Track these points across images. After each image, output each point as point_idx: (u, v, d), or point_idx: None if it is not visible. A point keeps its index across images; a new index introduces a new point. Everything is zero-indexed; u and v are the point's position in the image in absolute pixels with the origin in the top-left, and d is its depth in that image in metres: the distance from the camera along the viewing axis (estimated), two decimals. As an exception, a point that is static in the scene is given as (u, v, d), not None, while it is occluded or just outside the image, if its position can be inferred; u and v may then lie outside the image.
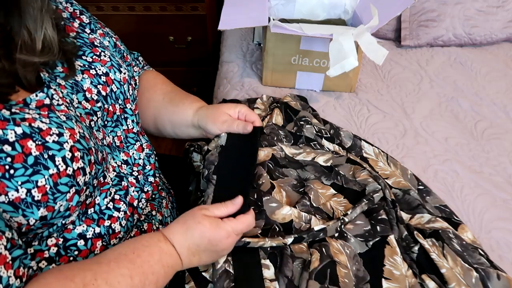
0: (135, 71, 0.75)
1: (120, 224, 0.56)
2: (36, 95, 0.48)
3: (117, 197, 0.57)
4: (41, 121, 0.45)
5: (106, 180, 0.57)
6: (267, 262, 0.62)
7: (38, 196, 0.43)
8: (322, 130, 0.86)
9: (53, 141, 0.45)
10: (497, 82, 1.12)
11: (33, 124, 0.44)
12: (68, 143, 0.46)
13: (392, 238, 0.65)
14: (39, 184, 0.43)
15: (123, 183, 0.59)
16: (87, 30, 0.62)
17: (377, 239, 0.66)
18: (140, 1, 1.41)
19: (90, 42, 0.60)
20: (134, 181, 0.62)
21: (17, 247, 0.42)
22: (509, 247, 0.70)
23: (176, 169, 0.88)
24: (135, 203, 0.60)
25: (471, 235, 0.68)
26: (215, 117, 0.68)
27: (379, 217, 0.68)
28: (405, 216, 0.71)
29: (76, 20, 0.62)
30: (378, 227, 0.67)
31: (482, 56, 1.23)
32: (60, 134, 0.46)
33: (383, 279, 0.61)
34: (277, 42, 0.97)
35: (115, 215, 0.56)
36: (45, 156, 0.44)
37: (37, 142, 0.44)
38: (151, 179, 0.66)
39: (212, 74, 1.34)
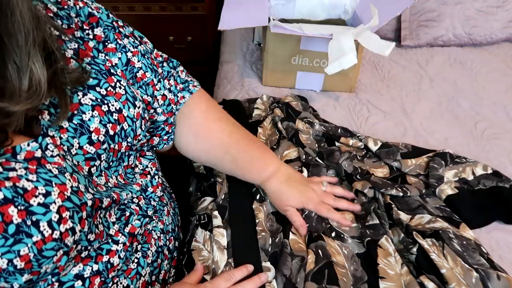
0: (172, 91, 0.64)
1: (119, 257, 0.53)
2: (28, 144, 0.43)
3: (115, 228, 0.54)
4: (27, 179, 0.41)
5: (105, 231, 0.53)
6: (268, 264, 0.62)
7: (20, 265, 0.40)
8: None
9: (38, 204, 0.41)
10: (497, 82, 1.12)
11: (17, 184, 0.40)
12: (55, 203, 0.42)
13: (383, 242, 0.65)
14: (22, 253, 0.39)
15: (126, 213, 0.56)
16: (102, 50, 0.54)
17: (368, 238, 0.66)
18: (140, 1, 1.41)
19: (106, 69, 0.53)
20: (137, 208, 0.58)
21: None
22: (509, 247, 0.70)
23: (176, 169, 0.88)
24: (136, 231, 0.56)
25: (471, 233, 0.68)
26: (281, 205, 0.68)
27: (367, 224, 0.68)
28: (405, 217, 0.71)
29: (93, 36, 0.54)
30: (368, 232, 0.67)
31: (482, 56, 1.22)
32: (47, 194, 0.41)
33: (379, 279, 0.61)
34: (277, 42, 0.97)
35: (113, 248, 0.52)
36: (28, 222, 0.40)
37: (19, 208, 0.39)
38: (153, 202, 0.63)
39: (212, 74, 1.34)
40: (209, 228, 0.68)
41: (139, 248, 0.59)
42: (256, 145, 0.70)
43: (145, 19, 1.46)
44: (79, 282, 0.49)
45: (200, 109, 0.68)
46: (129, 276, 0.56)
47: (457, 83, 1.11)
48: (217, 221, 0.68)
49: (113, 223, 0.54)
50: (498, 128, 0.96)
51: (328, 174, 0.79)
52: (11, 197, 0.39)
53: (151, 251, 0.60)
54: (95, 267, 0.50)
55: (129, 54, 0.57)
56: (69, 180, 0.44)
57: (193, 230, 0.69)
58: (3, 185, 0.39)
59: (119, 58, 0.56)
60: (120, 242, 0.53)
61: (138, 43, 0.60)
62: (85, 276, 0.49)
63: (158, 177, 0.66)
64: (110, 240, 0.52)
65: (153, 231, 0.62)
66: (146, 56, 0.60)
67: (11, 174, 0.40)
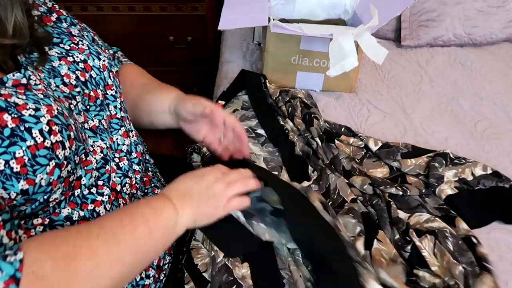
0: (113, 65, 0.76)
1: (105, 208, 0.57)
2: (13, 75, 0.49)
3: (100, 182, 0.58)
4: (17, 97, 0.46)
5: (88, 159, 0.56)
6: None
7: (17, 168, 0.43)
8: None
9: (30, 115, 0.45)
10: (497, 82, 1.12)
11: (9, 99, 0.45)
12: (45, 117, 0.47)
13: (382, 234, 0.66)
14: (17, 155, 0.44)
15: (107, 166, 0.60)
16: (64, 24, 0.63)
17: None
18: (140, 1, 1.41)
19: (67, 31, 0.61)
20: (115, 167, 0.62)
21: (6, 211, 0.43)
22: (509, 247, 0.70)
23: (176, 169, 0.88)
24: (117, 188, 0.61)
25: (466, 226, 0.69)
26: (190, 99, 0.67)
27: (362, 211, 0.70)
28: (403, 215, 0.71)
29: (54, 13, 0.63)
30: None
31: (482, 56, 1.22)
32: (36, 109, 0.46)
33: (375, 240, 0.64)
34: (277, 42, 0.97)
35: (98, 199, 0.57)
36: (22, 128, 0.44)
37: (12, 115, 0.44)
38: (135, 167, 0.66)
39: (212, 74, 1.34)
40: (209, 227, 0.68)
41: None
42: (162, 83, 0.77)
43: (145, 19, 1.46)
44: (68, 223, 0.53)
45: (125, 68, 0.79)
46: None
47: (457, 83, 1.11)
48: None
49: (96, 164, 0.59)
50: (498, 128, 0.96)
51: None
52: (5, 106, 0.44)
53: None
54: (82, 213, 0.55)
55: (91, 33, 0.68)
56: (54, 104, 0.49)
57: (192, 230, 0.70)
58: None
59: (86, 36, 0.65)
60: (105, 194, 0.58)
61: (90, 29, 0.69)
62: (74, 219, 0.53)
63: (142, 149, 0.69)
64: (95, 191, 0.57)
65: None
66: (101, 39, 0.72)
67: (3, 91, 0.45)
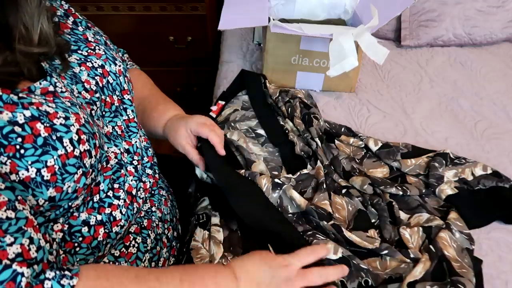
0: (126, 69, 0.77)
1: (121, 212, 0.58)
2: (40, 83, 0.49)
3: (116, 186, 0.59)
4: (48, 106, 0.47)
5: (108, 166, 0.58)
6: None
7: (47, 176, 0.45)
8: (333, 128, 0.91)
9: (60, 124, 0.47)
10: (497, 82, 1.12)
11: (40, 108, 0.46)
12: (74, 126, 0.48)
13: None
14: (48, 164, 0.45)
15: (122, 171, 0.61)
16: (80, 28, 0.64)
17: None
18: (140, 1, 1.41)
19: (84, 38, 0.62)
20: (133, 170, 0.63)
21: (39, 215, 0.44)
22: (509, 247, 0.70)
23: (176, 169, 0.88)
24: (133, 192, 0.62)
25: (455, 215, 0.70)
26: (175, 138, 0.73)
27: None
28: (404, 216, 0.71)
29: (71, 17, 0.63)
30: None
31: (482, 56, 1.22)
32: (66, 118, 0.48)
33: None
34: (277, 42, 0.97)
35: (115, 203, 0.58)
36: (54, 137, 0.46)
37: (45, 124, 0.45)
38: (148, 171, 0.68)
39: (212, 74, 1.34)
40: (208, 227, 0.68)
41: (138, 231, 0.63)
42: (162, 99, 0.80)
43: (145, 19, 1.46)
44: (86, 228, 0.54)
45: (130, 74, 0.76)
46: (129, 260, 0.60)
47: (457, 83, 1.11)
48: (216, 219, 0.69)
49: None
50: (498, 128, 0.96)
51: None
52: (38, 115, 0.45)
53: (150, 238, 0.64)
54: (99, 217, 0.55)
55: (104, 37, 0.68)
56: (80, 112, 0.51)
57: (192, 230, 0.70)
58: (27, 107, 0.45)
59: (99, 40, 0.65)
60: (121, 197, 0.59)
61: (102, 33, 0.70)
62: (91, 223, 0.54)
63: (152, 154, 0.70)
64: (111, 195, 0.58)
65: (152, 217, 0.66)
66: (110, 41, 0.72)
67: (34, 100, 0.46)
